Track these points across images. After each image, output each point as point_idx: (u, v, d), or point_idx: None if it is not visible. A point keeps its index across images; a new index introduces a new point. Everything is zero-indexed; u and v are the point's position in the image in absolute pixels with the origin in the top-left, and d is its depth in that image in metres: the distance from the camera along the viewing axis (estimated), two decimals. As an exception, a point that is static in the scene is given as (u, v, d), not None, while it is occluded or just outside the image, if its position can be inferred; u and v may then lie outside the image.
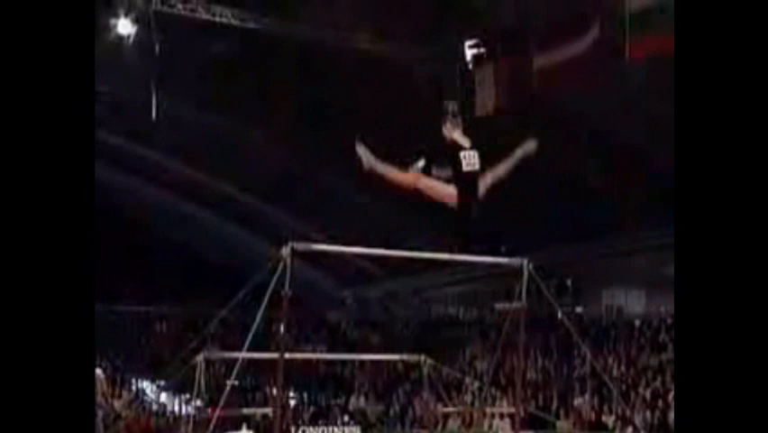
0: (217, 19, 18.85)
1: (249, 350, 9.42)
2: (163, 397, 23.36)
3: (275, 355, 8.42)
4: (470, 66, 19.40)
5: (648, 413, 16.85)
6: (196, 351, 10.99)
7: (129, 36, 19.01)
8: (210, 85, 21.93)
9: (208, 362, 11.26)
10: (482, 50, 19.22)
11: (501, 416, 18.94)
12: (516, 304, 9.15)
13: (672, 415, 15.83)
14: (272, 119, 22.29)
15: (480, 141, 7.18)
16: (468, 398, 20.71)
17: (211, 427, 9.48)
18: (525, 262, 8.96)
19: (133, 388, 23.65)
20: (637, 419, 16.10)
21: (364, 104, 20.37)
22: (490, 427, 19.00)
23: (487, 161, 7.07)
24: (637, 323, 21.75)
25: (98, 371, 8.60)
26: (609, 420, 17.51)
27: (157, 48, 18.36)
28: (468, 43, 19.28)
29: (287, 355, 8.26)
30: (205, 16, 18.78)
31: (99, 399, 7.85)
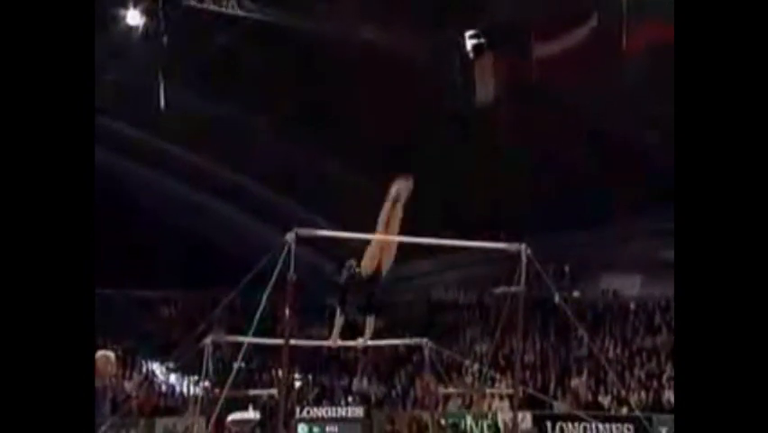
0: (224, 10, 18.79)
1: (255, 333, 9.43)
2: (172, 378, 23.44)
3: (280, 342, 8.42)
4: (471, 57, 19.33)
5: (643, 393, 16.89)
6: (204, 334, 11.00)
7: (138, 27, 18.96)
8: (217, 75, 21.89)
9: (216, 345, 11.25)
10: (482, 40, 19.14)
11: (500, 397, 19.00)
12: (514, 288, 9.13)
13: (666, 395, 15.86)
14: (277, 108, 22.26)
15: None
16: (468, 379, 20.76)
17: (218, 407, 9.51)
18: (524, 247, 8.93)
19: (144, 370, 23.73)
20: (632, 400, 16.14)
21: (367, 95, 20.34)
22: (490, 407, 19.06)
23: None
24: (633, 306, 21.78)
25: (110, 353, 8.59)
26: (605, 401, 17.56)
27: (165, 38, 18.31)
28: (468, 34, 19.19)
29: (292, 342, 8.25)
30: (212, 7, 18.72)
31: (107, 381, 7.84)
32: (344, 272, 8.10)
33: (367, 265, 8.32)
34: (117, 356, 22.64)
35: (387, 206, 8.28)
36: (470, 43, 18.97)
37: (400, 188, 8.26)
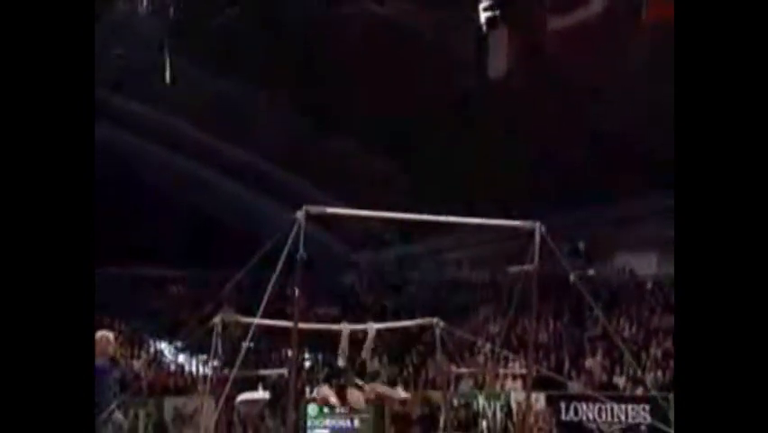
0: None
1: (264, 312, 9.48)
2: (181, 358, 23.62)
3: (289, 324, 8.47)
4: (484, 29, 19.22)
5: (659, 373, 16.92)
6: (213, 313, 11.07)
7: (143, 1, 18.94)
8: (224, 50, 21.85)
9: (224, 324, 11.32)
10: (496, 12, 19.02)
11: (513, 377, 19.06)
12: (528, 267, 9.15)
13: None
14: (287, 84, 22.22)
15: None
16: (480, 359, 20.83)
17: (227, 387, 9.58)
18: (538, 224, 8.94)
19: (152, 349, 23.90)
20: (648, 380, 16.17)
21: (377, 70, 20.27)
22: (503, 388, 19.13)
23: None
24: (649, 285, 21.75)
25: (110, 333, 8.68)
26: (620, 381, 17.60)
27: (171, 11, 18.28)
28: (482, 6, 19.08)
29: (301, 325, 8.30)
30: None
31: (103, 361, 7.91)
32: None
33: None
34: (125, 335, 22.92)
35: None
36: (483, 16, 18.87)
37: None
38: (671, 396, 15.46)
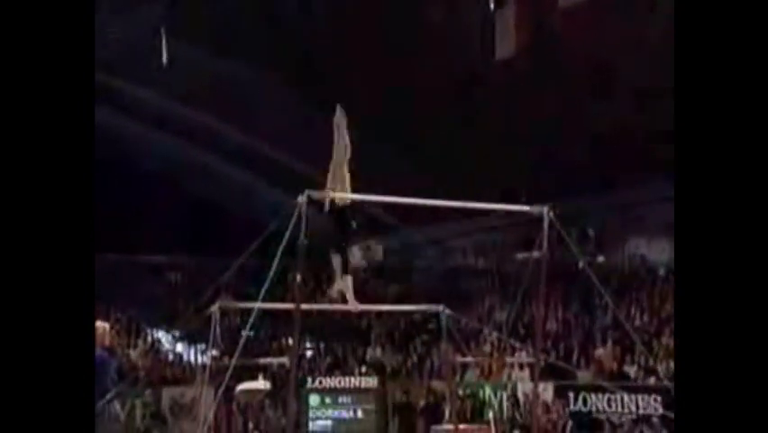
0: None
1: (264, 300, 9.50)
2: (179, 347, 23.69)
3: (290, 306, 8.48)
4: (492, 7, 19.13)
5: (672, 363, 16.92)
6: (212, 301, 11.10)
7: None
8: (224, 31, 21.78)
9: (223, 311, 11.35)
10: (504, -10, 18.94)
11: (521, 366, 19.09)
12: (536, 253, 9.15)
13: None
14: (286, 67, 22.16)
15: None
16: (487, 348, 20.86)
17: (227, 376, 9.62)
18: (546, 209, 8.93)
19: (149, 338, 23.97)
20: (660, 369, 16.17)
21: (380, 49, 20.21)
22: (509, 377, 19.18)
23: None
24: (661, 272, 21.72)
25: (105, 324, 8.72)
26: (631, 370, 17.60)
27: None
28: (489, -16, 19.00)
29: (302, 306, 8.32)
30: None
31: (99, 351, 7.95)
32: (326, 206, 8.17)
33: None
34: (121, 324, 22.95)
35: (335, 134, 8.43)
36: (490, -7, 18.80)
37: (338, 116, 8.39)
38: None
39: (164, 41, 18.91)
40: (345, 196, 8.57)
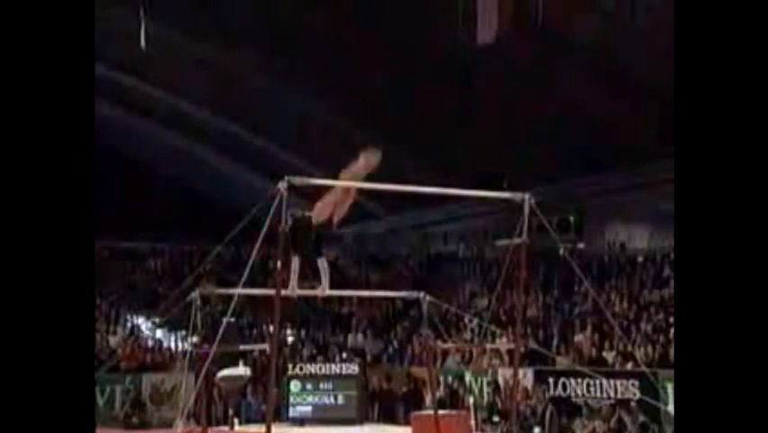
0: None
1: (245, 287, 9.47)
2: (159, 333, 23.63)
3: (271, 292, 8.47)
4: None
5: (650, 348, 17.07)
6: (192, 287, 11.07)
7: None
8: (204, 14, 21.59)
9: (204, 298, 11.33)
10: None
11: (501, 353, 19.19)
12: (516, 240, 9.17)
13: (673, 350, 16.04)
14: (270, 53, 22.02)
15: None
16: (467, 335, 20.95)
17: (207, 363, 9.61)
18: (527, 196, 8.95)
19: (129, 324, 23.89)
20: (638, 355, 16.31)
21: (359, 34, 20.11)
22: (490, 364, 19.27)
23: None
24: (640, 259, 21.88)
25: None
26: (610, 356, 17.75)
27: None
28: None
29: (284, 292, 8.31)
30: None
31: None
32: (289, 219, 8.21)
33: (318, 213, 8.46)
34: (101, 310, 22.81)
35: (353, 171, 8.41)
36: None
37: (369, 161, 8.39)
38: (660, 372, 15.63)
39: (142, 23, 18.68)
40: (327, 182, 8.56)
